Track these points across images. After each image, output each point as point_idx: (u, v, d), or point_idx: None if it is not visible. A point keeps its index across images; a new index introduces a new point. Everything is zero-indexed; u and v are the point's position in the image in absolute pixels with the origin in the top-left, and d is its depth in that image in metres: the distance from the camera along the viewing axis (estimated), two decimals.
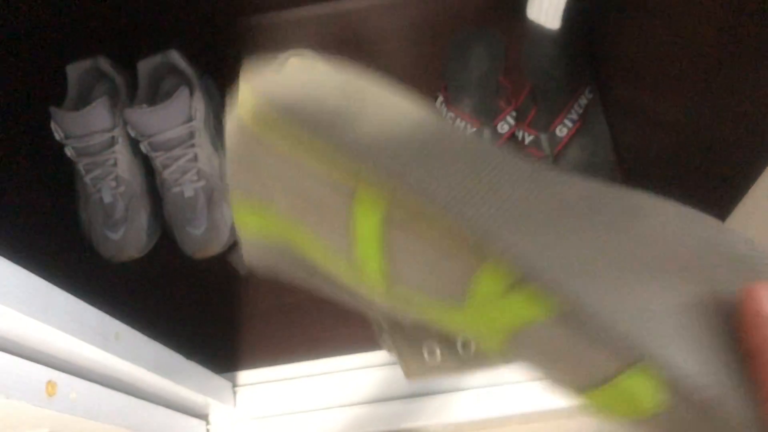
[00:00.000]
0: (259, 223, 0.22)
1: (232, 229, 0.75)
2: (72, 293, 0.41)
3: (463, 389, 0.66)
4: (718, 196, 0.51)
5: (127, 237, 0.74)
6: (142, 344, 0.50)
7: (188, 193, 0.73)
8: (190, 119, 0.72)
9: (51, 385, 0.42)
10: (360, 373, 0.68)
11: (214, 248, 0.74)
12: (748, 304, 0.18)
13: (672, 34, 0.58)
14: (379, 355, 0.69)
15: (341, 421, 0.66)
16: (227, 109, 0.22)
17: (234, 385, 0.69)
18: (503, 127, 0.74)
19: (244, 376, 0.70)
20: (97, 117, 0.71)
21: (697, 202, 0.23)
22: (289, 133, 0.19)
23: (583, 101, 0.74)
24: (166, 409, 0.58)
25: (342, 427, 0.66)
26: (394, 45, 0.86)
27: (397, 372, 0.67)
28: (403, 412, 0.65)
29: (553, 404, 0.63)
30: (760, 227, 0.47)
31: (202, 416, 0.66)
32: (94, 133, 0.72)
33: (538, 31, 0.75)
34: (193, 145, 0.73)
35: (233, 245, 0.76)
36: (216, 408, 0.66)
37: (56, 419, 0.43)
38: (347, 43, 0.86)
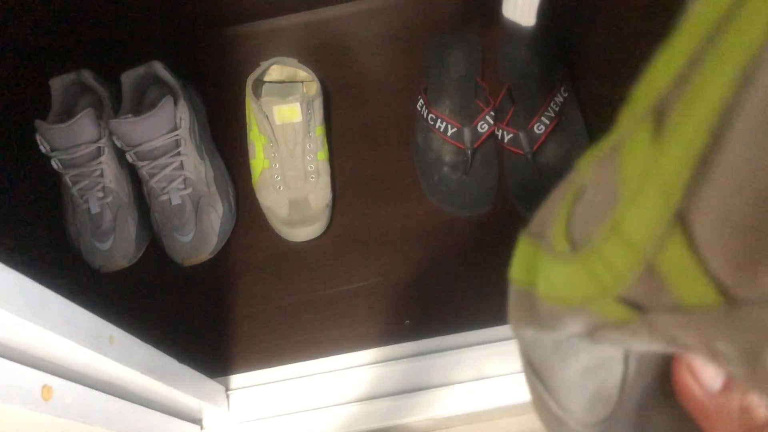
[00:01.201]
0: None
1: (220, 236, 0.76)
2: None
3: (452, 383, 0.67)
4: None
5: (116, 246, 0.74)
6: (136, 348, 0.50)
7: (175, 200, 0.74)
8: (175, 128, 0.73)
9: (46, 389, 0.42)
10: (350, 373, 0.69)
11: (203, 255, 0.75)
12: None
13: (644, 30, 0.60)
14: (368, 354, 0.70)
15: (334, 420, 0.67)
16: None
17: (227, 389, 0.69)
18: (483, 127, 0.76)
19: (237, 379, 0.70)
20: (83, 129, 0.72)
21: None
22: None
23: (559, 99, 0.77)
24: (161, 414, 0.58)
25: (335, 425, 0.67)
26: (374, 51, 0.88)
27: (386, 370, 0.69)
28: (395, 409, 0.66)
29: None
30: None
31: (196, 421, 0.67)
32: (80, 145, 0.72)
33: (513, 32, 0.77)
34: (178, 154, 0.73)
35: (221, 251, 0.77)
36: (210, 412, 0.67)
37: (51, 425, 0.44)
38: (329, 50, 0.88)
